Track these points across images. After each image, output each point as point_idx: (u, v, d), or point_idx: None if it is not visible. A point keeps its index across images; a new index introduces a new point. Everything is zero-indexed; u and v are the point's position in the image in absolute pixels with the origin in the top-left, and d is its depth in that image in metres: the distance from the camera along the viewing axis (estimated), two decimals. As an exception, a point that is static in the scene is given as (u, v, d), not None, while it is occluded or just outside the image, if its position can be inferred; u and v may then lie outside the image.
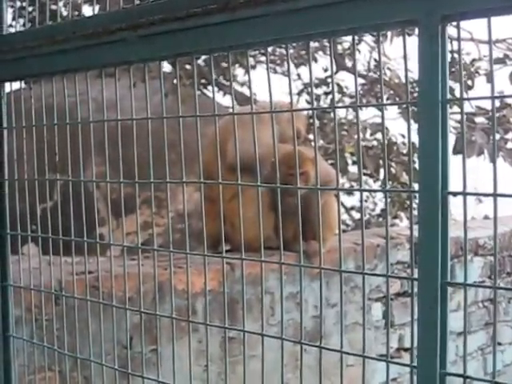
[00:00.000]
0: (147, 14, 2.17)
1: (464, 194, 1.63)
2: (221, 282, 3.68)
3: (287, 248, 3.05)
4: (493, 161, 1.57)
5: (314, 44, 7.95)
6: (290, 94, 2.07)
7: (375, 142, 7.83)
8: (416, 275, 1.70)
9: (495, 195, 1.58)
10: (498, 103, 6.94)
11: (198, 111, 2.16)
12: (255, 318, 3.67)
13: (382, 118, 1.86)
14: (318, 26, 1.84)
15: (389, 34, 7.19)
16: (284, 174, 2.64)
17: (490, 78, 1.69)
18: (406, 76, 1.71)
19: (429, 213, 1.64)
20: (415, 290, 1.70)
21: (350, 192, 7.86)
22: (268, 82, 2.06)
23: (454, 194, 1.62)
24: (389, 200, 7.66)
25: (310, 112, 8.46)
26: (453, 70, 7.09)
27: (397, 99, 7.77)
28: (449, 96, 1.65)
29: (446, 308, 1.64)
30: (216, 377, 3.73)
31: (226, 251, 3.42)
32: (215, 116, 2.17)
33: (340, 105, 8.08)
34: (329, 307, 4.10)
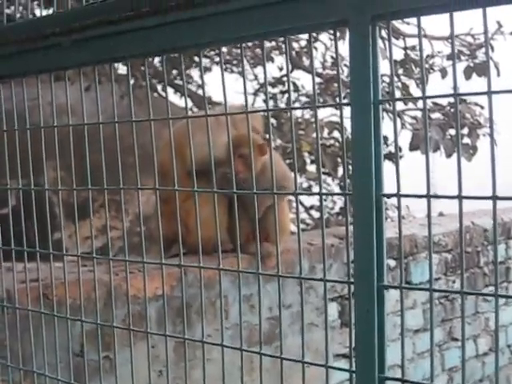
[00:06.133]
0: (80, 18, 2.13)
1: (398, 195, 1.61)
2: (173, 286, 3.66)
3: (240, 250, 3.03)
4: (426, 158, 1.55)
5: (269, 44, 7.93)
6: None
7: (333, 141, 7.82)
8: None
9: (429, 197, 1.56)
10: (452, 99, 6.94)
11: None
12: (208, 321, 3.64)
13: (316, 117, 1.83)
14: (250, 27, 1.81)
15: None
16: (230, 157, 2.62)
17: (422, 77, 1.68)
18: (338, 77, 1.69)
19: (363, 215, 1.62)
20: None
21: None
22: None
23: (388, 196, 1.60)
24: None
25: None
26: (406, 67, 7.12)
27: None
28: (380, 96, 1.63)
29: (382, 311, 1.61)
30: (171, 381, 3.69)
31: (178, 254, 3.38)
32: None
33: (297, 104, 8.04)
34: (283, 308, 4.07)
